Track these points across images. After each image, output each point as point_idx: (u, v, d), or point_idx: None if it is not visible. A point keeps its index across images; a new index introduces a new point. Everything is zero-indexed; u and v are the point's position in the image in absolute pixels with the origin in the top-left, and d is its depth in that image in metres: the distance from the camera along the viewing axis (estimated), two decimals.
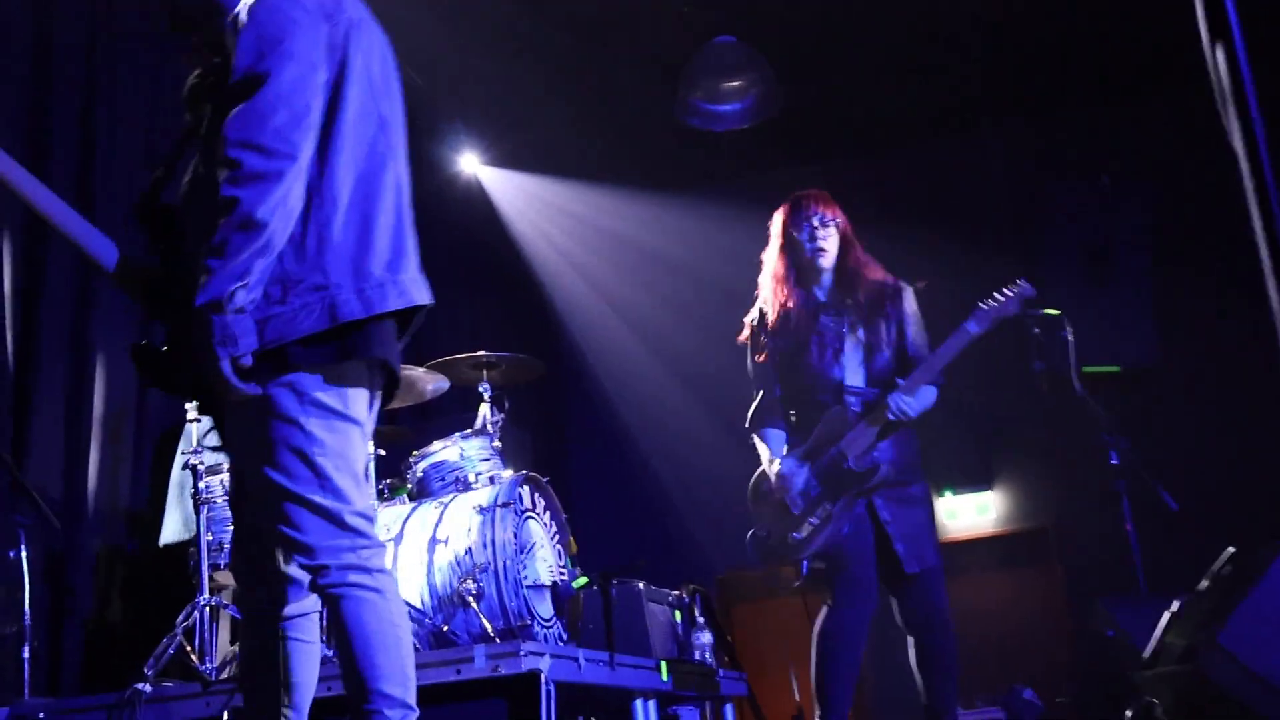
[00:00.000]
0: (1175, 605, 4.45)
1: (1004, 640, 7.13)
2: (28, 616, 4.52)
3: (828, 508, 4.50)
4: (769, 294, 4.75)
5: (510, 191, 8.74)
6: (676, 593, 6.05)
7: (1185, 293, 7.54)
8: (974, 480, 7.72)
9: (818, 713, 4.56)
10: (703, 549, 8.05)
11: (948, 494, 7.81)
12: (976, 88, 7.74)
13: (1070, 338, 5.21)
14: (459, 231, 8.38)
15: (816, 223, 4.62)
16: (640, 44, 7.23)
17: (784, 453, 4.67)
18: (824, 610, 4.57)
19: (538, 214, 8.78)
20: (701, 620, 6.00)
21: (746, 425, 4.84)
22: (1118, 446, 5.36)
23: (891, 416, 4.43)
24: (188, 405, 4.93)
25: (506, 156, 8.51)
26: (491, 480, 5.20)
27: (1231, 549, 4.36)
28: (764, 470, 4.72)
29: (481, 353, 5.61)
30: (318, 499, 2.60)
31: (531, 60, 7.23)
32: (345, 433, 2.67)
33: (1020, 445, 7.56)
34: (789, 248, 4.70)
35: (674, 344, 8.71)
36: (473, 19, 6.58)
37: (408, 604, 4.79)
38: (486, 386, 5.67)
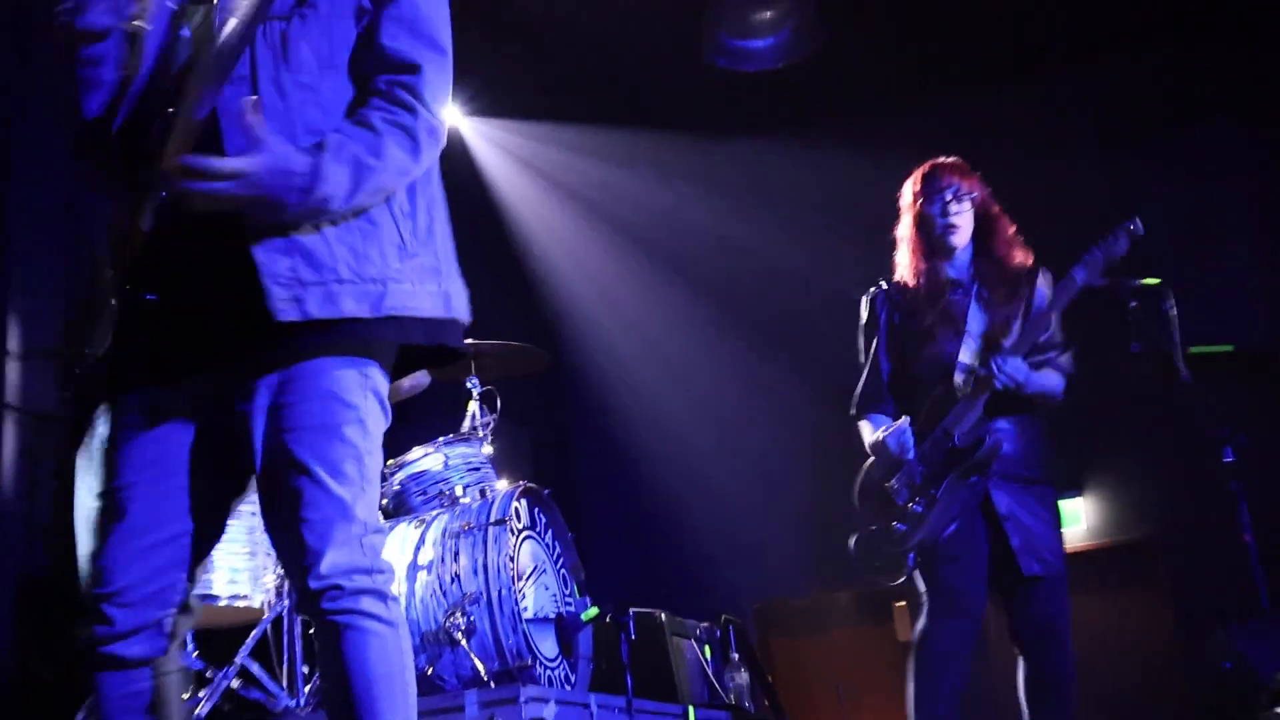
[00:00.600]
0: None
1: (1098, 673, 7.00)
2: None
3: (931, 493, 4.64)
4: (898, 268, 4.94)
5: (498, 146, 8.74)
6: (706, 625, 6.07)
7: None
8: (1062, 485, 7.65)
9: None
10: (736, 574, 8.10)
11: None
12: (1060, 20, 7.68)
13: (1174, 312, 5.20)
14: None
15: (950, 196, 4.81)
16: None
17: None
18: (922, 617, 4.67)
19: (531, 172, 8.78)
20: (736, 657, 6.03)
21: (851, 410, 5.00)
22: (1233, 441, 5.33)
23: (999, 384, 4.58)
24: None
25: (493, 105, 8.51)
26: (482, 494, 5.20)
27: None
28: (872, 460, 4.86)
29: (468, 341, 5.62)
30: (358, 509, 2.56)
31: None
32: (380, 441, 2.69)
33: (1116, 442, 7.55)
34: (920, 222, 4.88)
35: (701, 326, 8.74)
36: None
37: None
38: (474, 381, 5.68)
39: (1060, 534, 4.82)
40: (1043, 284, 4.85)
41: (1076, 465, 7.75)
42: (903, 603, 6.68)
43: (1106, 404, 6.17)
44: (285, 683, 4.91)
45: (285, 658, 4.91)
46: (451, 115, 8.50)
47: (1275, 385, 7.33)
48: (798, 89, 7.94)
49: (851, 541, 4.88)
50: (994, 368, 4.58)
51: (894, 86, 8.30)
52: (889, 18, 7.71)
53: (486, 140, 8.76)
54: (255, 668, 4.88)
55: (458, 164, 8.65)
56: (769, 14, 7.28)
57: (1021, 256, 4.88)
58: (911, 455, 4.70)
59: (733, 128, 8.47)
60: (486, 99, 8.44)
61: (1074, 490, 7.88)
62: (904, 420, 4.75)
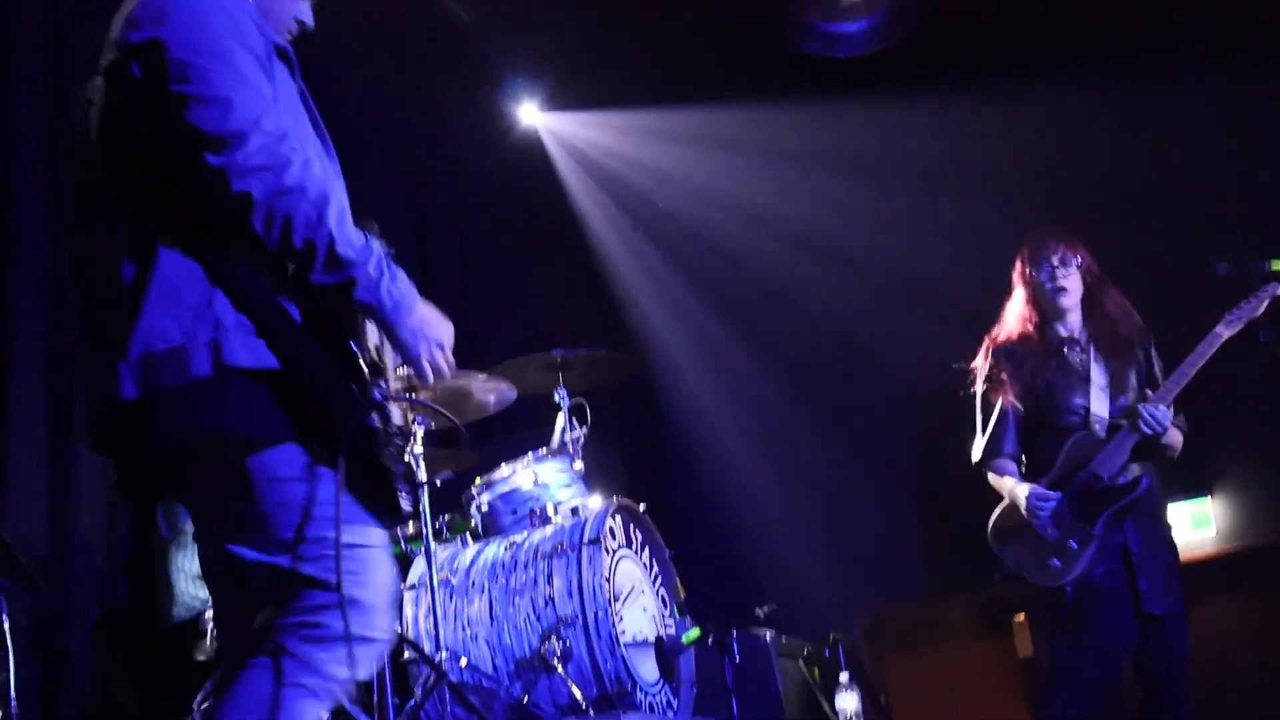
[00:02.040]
0: None
1: (1233, 685, 6.92)
2: (14, 700, 4.61)
3: (1085, 529, 5.05)
4: (1011, 328, 5.42)
5: (574, 141, 8.74)
6: (814, 644, 6.03)
7: None
8: (1189, 486, 7.60)
9: None
10: (843, 588, 8.00)
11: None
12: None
13: None
14: (514, 200, 8.42)
15: (1056, 261, 5.31)
16: None
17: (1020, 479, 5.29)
18: (1074, 650, 5.08)
19: (610, 169, 8.77)
20: (846, 677, 5.98)
21: (976, 459, 5.40)
22: None
23: (1145, 429, 5.04)
24: None
25: (571, 97, 8.50)
26: (575, 511, 5.22)
27: None
28: (1008, 502, 5.28)
29: (555, 351, 5.60)
30: None
31: None
32: None
33: (1246, 440, 7.43)
34: (1031, 288, 5.40)
35: (799, 327, 8.69)
36: None
37: (476, 669, 4.81)
38: (563, 393, 5.69)
39: (1180, 576, 5.21)
40: (1154, 346, 5.35)
41: (1205, 466, 7.56)
42: (1022, 615, 6.57)
43: (1235, 399, 6.05)
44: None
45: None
46: (528, 112, 8.56)
47: None
48: (888, 68, 7.89)
49: (996, 578, 5.39)
50: (1144, 414, 5.03)
51: (993, 66, 8.16)
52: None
53: (557, 136, 8.77)
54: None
55: (533, 166, 8.67)
56: None
57: (1130, 320, 5.35)
58: (1056, 503, 5.10)
59: (828, 108, 8.42)
60: (561, 91, 8.46)
61: (1203, 492, 7.81)
62: (1053, 478, 5.15)
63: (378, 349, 2.86)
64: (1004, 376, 5.35)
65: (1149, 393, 5.18)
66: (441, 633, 4.92)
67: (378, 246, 2.75)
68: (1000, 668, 7.49)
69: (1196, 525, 7.80)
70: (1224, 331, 5.11)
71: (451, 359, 2.88)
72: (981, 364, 5.45)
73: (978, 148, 8.04)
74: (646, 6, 7.53)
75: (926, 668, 7.78)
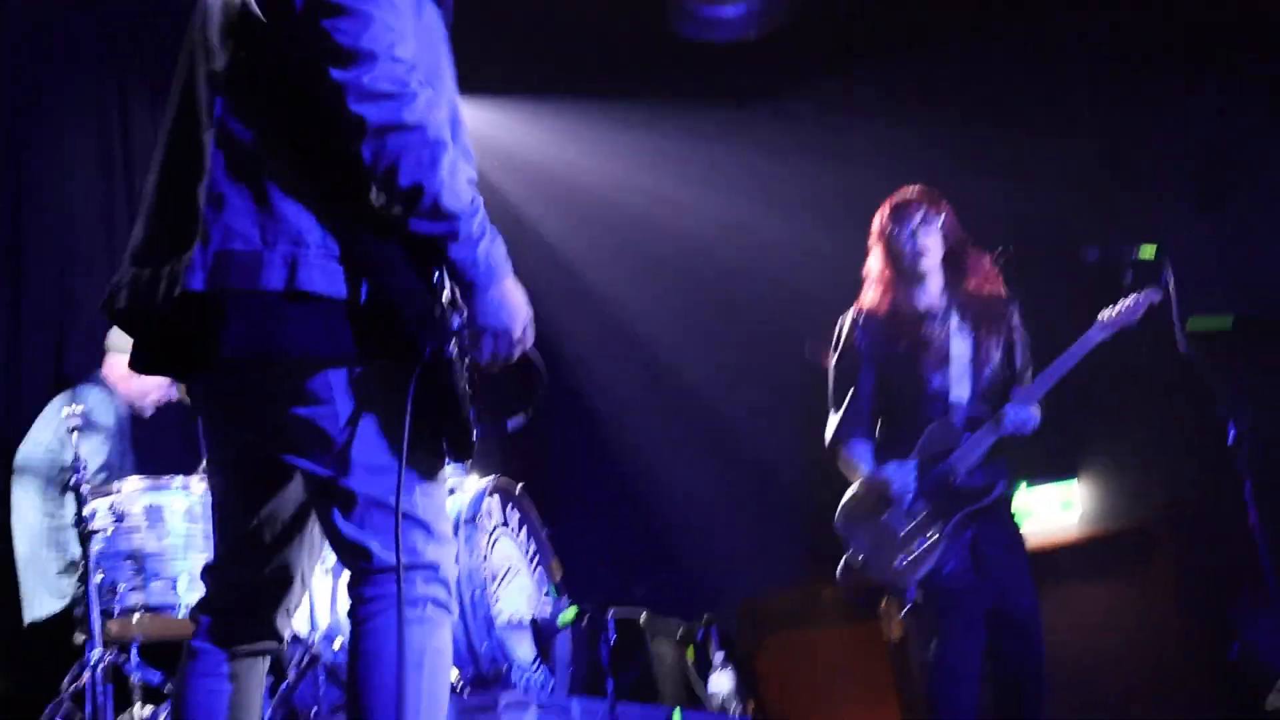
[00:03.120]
0: None
1: (1100, 667, 7.14)
2: None
3: (937, 529, 5.01)
4: (868, 297, 5.32)
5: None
6: (688, 624, 6.10)
7: None
8: (1054, 469, 7.71)
9: None
10: (718, 569, 8.11)
11: (1022, 488, 7.79)
12: None
13: (1172, 284, 5.30)
14: None
15: (918, 220, 5.21)
16: None
17: (874, 466, 5.20)
18: (934, 642, 5.03)
19: (490, 150, 8.77)
20: (720, 657, 6.06)
21: (828, 436, 5.32)
22: (1237, 419, 5.32)
23: (1010, 430, 5.04)
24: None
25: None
26: (450, 490, 5.20)
27: None
28: (859, 486, 5.22)
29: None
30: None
31: None
32: None
33: (1111, 424, 7.54)
34: (890, 251, 5.27)
35: (681, 309, 8.73)
36: None
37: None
38: None
39: (1029, 568, 5.18)
40: (1016, 316, 5.31)
41: (1069, 449, 7.67)
42: (887, 601, 6.75)
43: (1100, 382, 6.13)
44: None
45: None
46: None
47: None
48: (773, 55, 8.00)
49: (839, 569, 5.23)
50: (1009, 414, 5.04)
51: (875, 47, 8.36)
52: None
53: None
54: None
55: None
56: None
57: (993, 286, 5.27)
58: (913, 492, 5.07)
59: (715, 97, 8.47)
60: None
61: (1068, 475, 7.87)
62: (910, 464, 5.10)
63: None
64: (859, 350, 5.29)
65: (1015, 391, 5.15)
66: (315, 613, 4.96)
67: (483, 207, 2.74)
68: (869, 650, 7.58)
69: (1063, 509, 7.86)
70: (1097, 335, 5.14)
71: (519, 346, 2.85)
72: (837, 335, 5.37)
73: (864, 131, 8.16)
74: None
75: (799, 650, 7.85)
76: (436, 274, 2.74)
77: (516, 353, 2.86)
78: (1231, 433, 5.33)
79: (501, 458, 7.18)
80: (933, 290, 5.27)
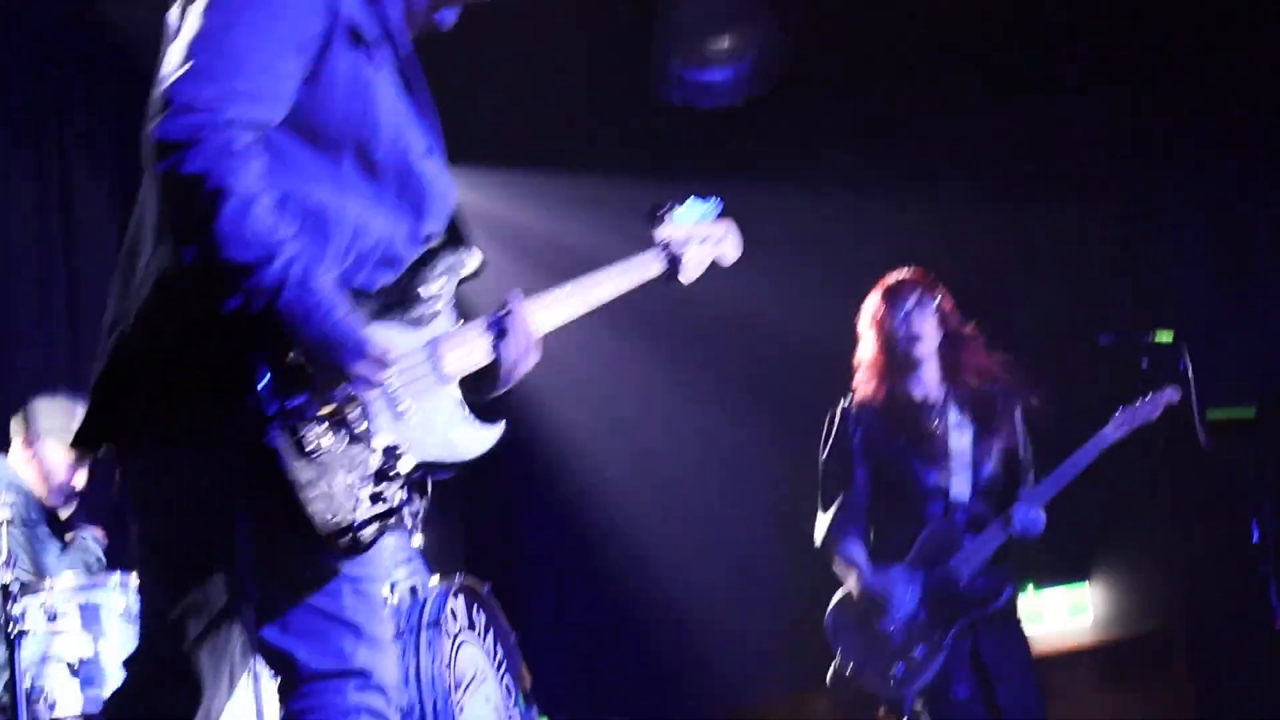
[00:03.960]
0: None
1: None
2: None
3: (936, 637, 4.96)
4: (860, 387, 5.28)
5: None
6: None
7: None
8: (1065, 570, 7.66)
9: None
10: (702, 678, 8.03)
11: (1030, 590, 7.74)
12: (1066, 42, 7.72)
13: (1190, 371, 5.30)
14: None
15: (911, 304, 5.17)
16: None
17: (871, 571, 5.13)
18: None
19: (475, 214, 8.76)
20: None
21: (819, 536, 5.27)
22: (1262, 517, 5.41)
23: (1017, 532, 4.99)
24: None
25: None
26: (412, 592, 5.20)
27: None
28: (850, 590, 5.15)
29: None
30: None
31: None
32: None
33: (1127, 521, 7.47)
34: (883, 337, 5.22)
35: (662, 395, 8.66)
36: None
37: None
38: None
39: (1035, 679, 5.19)
40: (1019, 408, 5.25)
41: (1081, 548, 7.62)
42: (882, 713, 6.61)
43: (1116, 477, 6.09)
44: None
45: None
46: None
47: None
48: (758, 124, 8.01)
49: (829, 676, 5.18)
50: (1017, 517, 5.00)
51: (884, 119, 8.36)
52: (853, 48, 7.74)
53: None
54: None
55: None
56: (727, 41, 7.31)
57: (992, 367, 5.24)
58: (910, 599, 5.02)
59: (685, 168, 8.48)
60: None
61: (1079, 576, 7.83)
62: (910, 569, 5.05)
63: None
64: (852, 445, 5.24)
65: (1023, 489, 5.13)
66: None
67: (291, 249, 2.61)
68: None
69: (1073, 613, 7.82)
70: (1112, 434, 5.12)
71: (367, 380, 2.69)
72: (828, 430, 5.34)
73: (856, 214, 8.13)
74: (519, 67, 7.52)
75: None
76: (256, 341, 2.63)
77: (364, 382, 2.67)
78: (1256, 531, 5.42)
79: (467, 555, 7.11)
80: (929, 379, 5.22)
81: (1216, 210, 7.75)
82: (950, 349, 5.23)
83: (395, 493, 2.74)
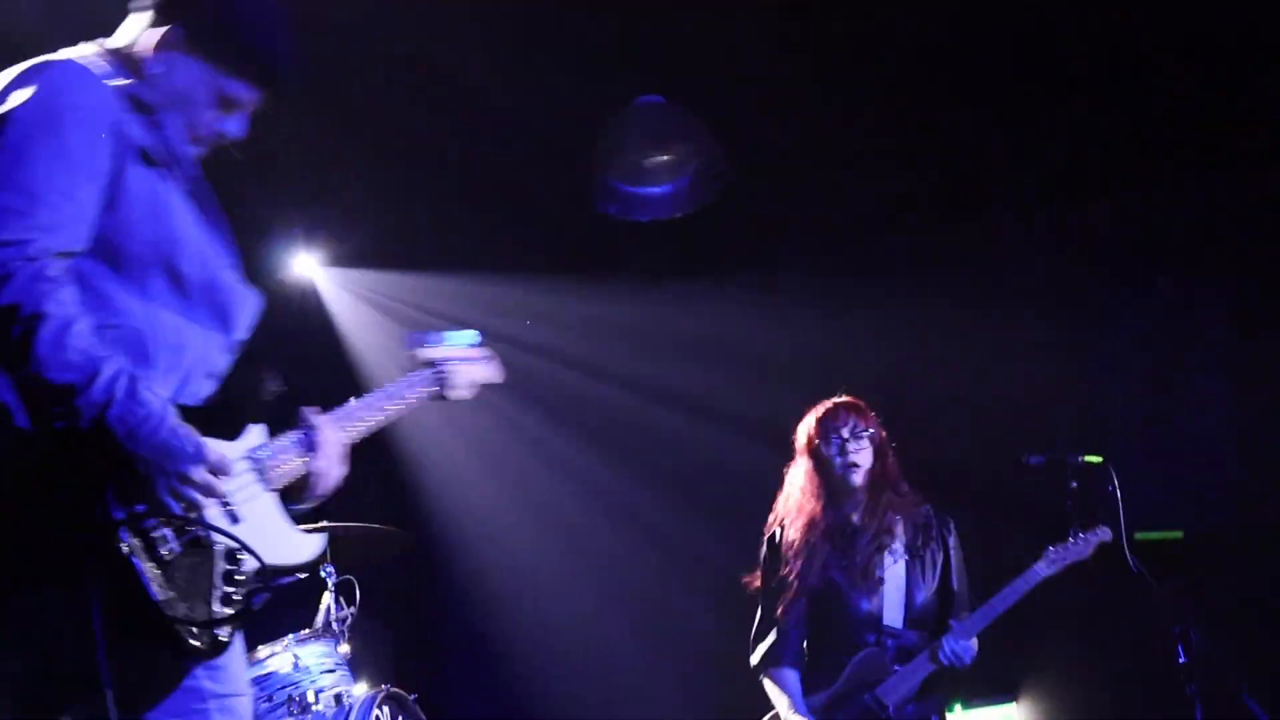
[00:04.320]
0: None
1: None
2: None
3: None
4: (794, 513, 5.35)
5: (357, 295, 8.73)
6: None
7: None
8: (992, 689, 7.52)
9: None
10: None
11: (958, 709, 7.71)
12: (993, 162, 7.82)
13: (1119, 493, 5.36)
14: (284, 348, 8.34)
15: (847, 434, 5.25)
16: (539, 109, 7.26)
17: (802, 698, 5.18)
18: None
19: (393, 325, 8.76)
20: None
21: (754, 663, 5.33)
22: (1186, 641, 5.37)
23: (946, 663, 5.04)
24: None
25: (354, 253, 8.53)
26: (338, 699, 5.16)
27: None
28: (780, 715, 5.17)
29: (322, 523, 5.53)
30: None
31: (380, 137, 7.29)
32: None
33: (1053, 641, 7.46)
34: (817, 463, 5.31)
35: (587, 502, 8.68)
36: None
37: None
38: (330, 570, 5.62)
39: None
40: (953, 535, 5.36)
41: (1008, 667, 7.51)
42: None
43: (1043, 597, 6.12)
44: None
45: None
46: (308, 265, 8.53)
47: (1232, 575, 7.38)
48: (686, 234, 8.08)
49: None
50: (946, 648, 5.06)
51: (800, 233, 8.45)
52: (790, 167, 7.82)
53: (345, 292, 8.77)
54: None
55: (309, 318, 8.62)
56: (665, 158, 7.37)
57: (918, 498, 5.37)
58: None
59: (617, 271, 8.57)
60: (346, 249, 8.48)
61: (1006, 696, 7.71)
62: (844, 710, 5.10)
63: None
64: (786, 573, 5.29)
65: (953, 624, 5.17)
66: None
67: (113, 364, 2.65)
68: None
69: None
70: (1043, 570, 5.20)
71: (206, 486, 2.73)
72: (764, 556, 5.41)
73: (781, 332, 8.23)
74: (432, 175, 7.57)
75: None
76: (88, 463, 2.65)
77: (206, 489, 2.71)
78: (1180, 653, 5.35)
79: (398, 664, 7.05)
80: (861, 504, 5.31)
81: (1147, 334, 7.83)
82: (882, 476, 5.29)
83: (243, 594, 2.79)
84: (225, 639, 2.70)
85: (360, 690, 5.22)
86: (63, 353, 2.59)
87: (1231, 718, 5.31)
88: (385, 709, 5.07)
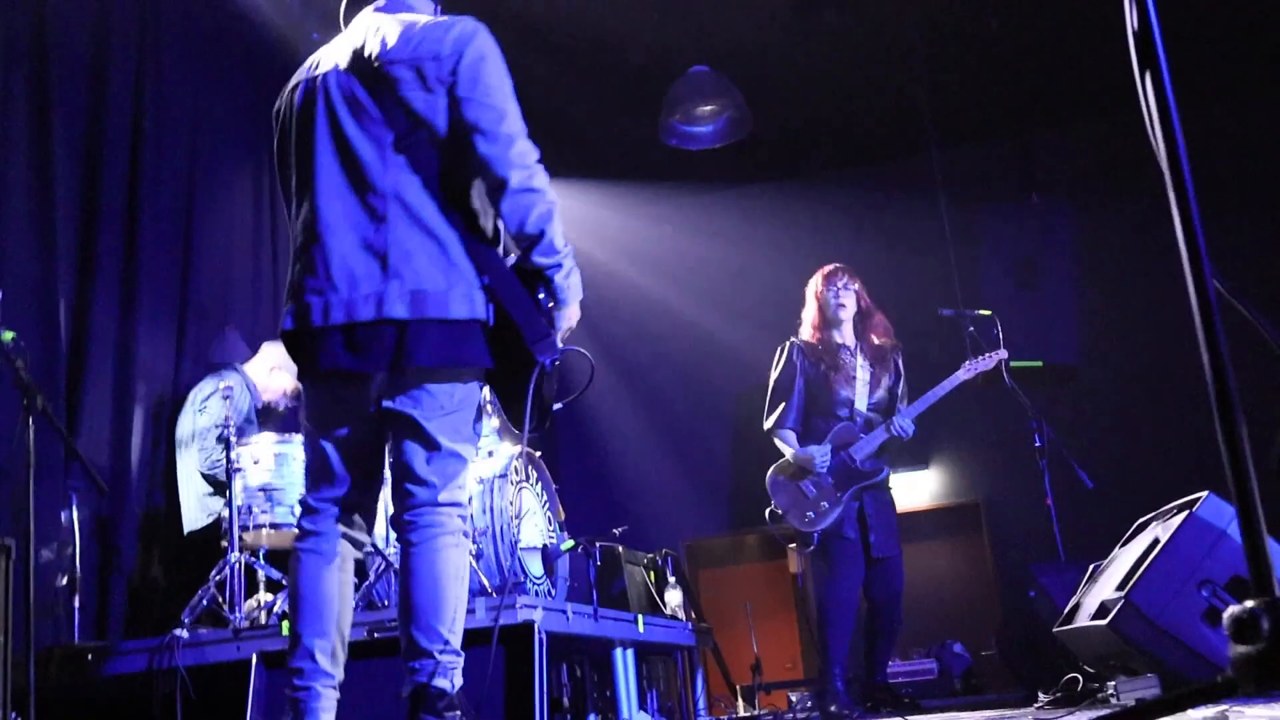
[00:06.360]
0: (1090, 569, 4.53)
1: (938, 602, 7.16)
2: (79, 570, 4.56)
3: (838, 495, 5.12)
4: (803, 333, 5.44)
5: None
6: (651, 555, 6.08)
7: (1106, 299, 7.58)
8: (913, 460, 7.69)
9: (823, 663, 5.10)
10: (673, 518, 8.03)
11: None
12: (921, 120, 7.70)
13: (1000, 335, 5.40)
14: None
15: (840, 285, 5.38)
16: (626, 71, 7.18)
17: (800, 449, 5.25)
18: (828, 581, 5.15)
19: None
20: (673, 580, 6.04)
21: (767, 427, 5.36)
22: (1041, 431, 5.44)
23: (895, 434, 5.17)
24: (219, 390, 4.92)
25: None
26: (490, 454, 5.15)
27: (1140, 521, 4.45)
28: (787, 460, 5.28)
29: None
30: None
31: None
32: None
33: (955, 429, 7.51)
34: (820, 303, 5.41)
35: (655, 338, 8.59)
36: None
37: None
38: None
39: (899, 530, 5.27)
40: (900, 360, 5.40)
41: (924, 447, 7.66)
42: (794, 545, 6.72)
43: (948, 402, 6.18)
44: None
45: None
46: None
47: (1074, 392, 7.44)
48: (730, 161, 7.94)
49: (767, 514, 5.25)
50: (896, 423, 5.17)
51: (809, 165, 8.37)
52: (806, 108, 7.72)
53: None
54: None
55: None
56: (710, 107, 7.32)
57: (885, 336, 5.40)
58: (825, 469, 5.15)
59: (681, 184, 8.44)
60: None
61: (922, 464, 7.83)
62: (827, 446, 5.18)
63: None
64: (794, 368, 5.33)
65: (900, 407, 5.26)
66: (390, 532, 4.87)
67: (572, 248, 2.74)
68: (778, 580, 7.60)
69: (915, 489, 7.81)
70: (961, 375, 5.24)
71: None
72: (778, 357, 5.41)
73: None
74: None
75: (727, 578, 7.87)
76: (541, 294, 2.73)
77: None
78: (1036, 440, 5.41)
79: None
80: (847, 333, 5.39)
81: (1017, 244, 7.81)
82: (861, 317, 5.41)
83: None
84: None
85: (505, 448, 5.15)
86: (560, 229, 2.74)
87: (1065, 484, 5.39)
88: (521, 460, 5.01)
